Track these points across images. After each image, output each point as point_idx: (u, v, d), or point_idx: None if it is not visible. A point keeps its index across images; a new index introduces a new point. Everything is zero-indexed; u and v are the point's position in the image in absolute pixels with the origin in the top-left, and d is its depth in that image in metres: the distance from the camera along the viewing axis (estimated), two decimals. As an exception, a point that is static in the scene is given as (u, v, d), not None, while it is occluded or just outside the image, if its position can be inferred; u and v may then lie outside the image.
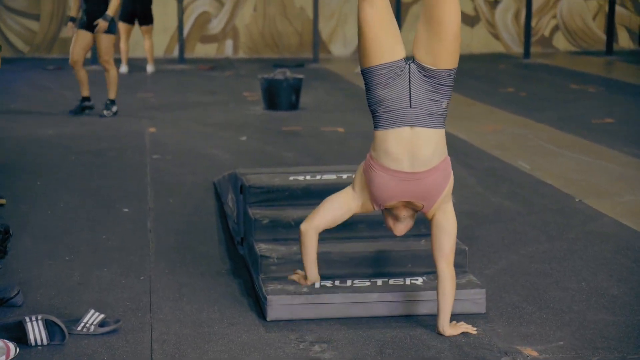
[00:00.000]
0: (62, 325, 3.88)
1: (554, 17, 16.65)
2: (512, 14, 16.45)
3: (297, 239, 4.67)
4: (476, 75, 13.33)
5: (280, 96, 10.02)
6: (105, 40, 9.30)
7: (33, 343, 3.83)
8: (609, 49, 16.01)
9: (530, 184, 6.77)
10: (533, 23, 15.88)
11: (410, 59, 3.88)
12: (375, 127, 3.89)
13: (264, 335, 4.02)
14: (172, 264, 4.95)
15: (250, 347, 3.88)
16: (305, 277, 4.24)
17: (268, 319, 4.16)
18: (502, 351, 3.85)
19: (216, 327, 4.10)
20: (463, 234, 5.37)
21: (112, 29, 9.32)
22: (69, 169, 7.18)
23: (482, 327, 4.09)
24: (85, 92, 9.65)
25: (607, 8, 16.32)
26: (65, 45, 14.09)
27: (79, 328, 3.97)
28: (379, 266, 4.51)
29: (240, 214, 5.18)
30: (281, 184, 5.09)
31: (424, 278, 4.39)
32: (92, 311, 4.05)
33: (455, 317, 4.14)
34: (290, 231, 4.74)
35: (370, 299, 4.20)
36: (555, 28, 16.67)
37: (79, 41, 9.35)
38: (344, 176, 5.17)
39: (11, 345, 3.74)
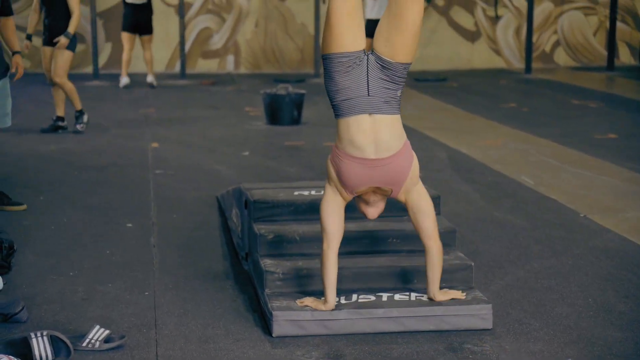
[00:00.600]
0: (68, 341, 3.86)
1: (555, 32, 16.66)
2: (513, 30, 16.46)
3: (303, 254, 4.66)
4: (478, 90, 13.33)
5: (282, 111, 10.02)
6: (63, 57, 9.11)
7: (38, 359, 3.81)
8: (610, 65, 16.01)
9: (534, 199, 6.75)
10: (534, 39, 15.89)
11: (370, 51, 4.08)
12: (336, 115, 4.08)
13: (269, 351, 4.00)
14: (176, 279, 4.94)
15: (257, 363, 3.86)
16: (325, 302, 4.20)
17: (274, 335, 4.14)
18: (510, 367, 3.84)
19: (222, 343, 4.08)
20: (468, 249, 5.36)
21: (72, 47, 9.16)
22: (71, 185, 7.17)
23: (489, 344, 4.07)
24: (61, 112, 9.53)
25: (607, 24, 16.33)
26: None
27: (84, 344, 3.95)
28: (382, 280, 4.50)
29: (245, 229, 5.16)
30: (286, 199, 5.07)
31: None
32: (97, 327, 4.03)
33: (462, 332, 4.15)
34: (295, 246, 4.72)
35: (376, 314, 4.18)
36: (556, 43, 16.68)
37: (46, 59, 9.28)
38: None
39: (16, 362, 3.72)
